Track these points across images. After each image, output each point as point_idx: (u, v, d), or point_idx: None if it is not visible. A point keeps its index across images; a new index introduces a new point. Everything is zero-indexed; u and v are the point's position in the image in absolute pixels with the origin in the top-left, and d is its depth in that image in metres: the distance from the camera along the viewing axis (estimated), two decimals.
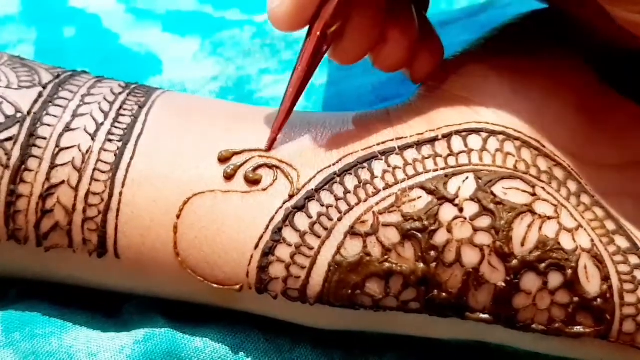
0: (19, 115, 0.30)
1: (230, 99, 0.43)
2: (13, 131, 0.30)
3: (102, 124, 0.30)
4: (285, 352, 0.32)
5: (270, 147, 0.30)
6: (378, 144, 0.30)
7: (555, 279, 0.28)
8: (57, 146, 0.30)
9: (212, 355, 0.31)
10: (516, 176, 0.29)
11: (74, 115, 0.30)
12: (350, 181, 0.29)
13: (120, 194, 0.29)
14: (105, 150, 0.30)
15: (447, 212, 0.28)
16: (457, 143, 0.30)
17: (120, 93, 0.31)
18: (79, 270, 0.31)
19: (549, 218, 0.29)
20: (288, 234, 0.29)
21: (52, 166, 0.29)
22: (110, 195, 0.29)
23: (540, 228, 0.28)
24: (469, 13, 0.47)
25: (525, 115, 0.30)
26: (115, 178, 0.29)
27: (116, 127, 0.30)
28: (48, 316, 0.32)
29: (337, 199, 0.29)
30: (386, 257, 0.28)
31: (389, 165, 0.29)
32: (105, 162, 0.30)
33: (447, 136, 0.30)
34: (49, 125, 0.30)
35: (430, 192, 0.29)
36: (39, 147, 0.30)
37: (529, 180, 0.29)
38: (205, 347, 0.31)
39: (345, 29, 0.29)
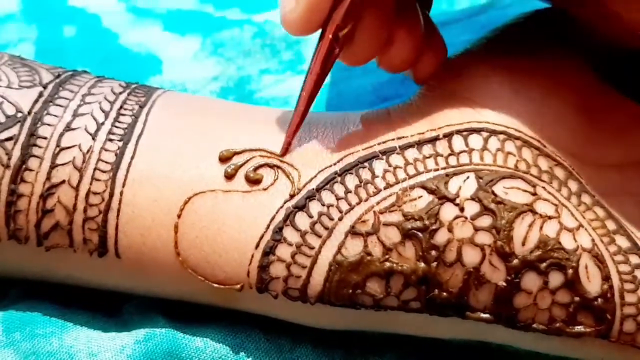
0: (19, 115, 0.30)
1: (231, 99, 0.44)
2: (14, 131, 0.30)
3: (102, 123, 0.30)
4: (285, 352, 0.32)
5: (285, 152, 0.30)
6: (379, 144, 0.30)
7: (556, 279, 0.28)
8: (57, 146, 0.30)
9: (212, 355, 0.31)
10: (517, 176, 0.29)
11: (75, 114, 0.30)
12: (351, 180, 0.29)
13: (121, 193, 0.29)
14: (106, 150, 0.30)
15: (448, 212, 0.28)
16: (458, 142, 0.30)
17: (120, 93, 0.31)
18: (79, 270, 0.31)
19: (550, 218, 0.29)
20: (289, 233, 0.29)
21: (53, 166, 0.29)
22: (111, 195, 0.29)
23: (541, 228, 0.28)
24: (470, 13, 0.47)
25: (526, 115, 0.30)
26: (115, 177, 0.29)
27: (117, 127, 0.30)
28: (48, 316, 0.32)
29: (337, 198, 0.29)
30: (387, 256, 0.28)
31: (389, 165, 0.29)
32: (106, 162, 0.30)
33: (448, 135, 0.30)
34: (49, 124, 0.30)
35: (431, 191, 0.29)
36: (40, 147, 0.30)
37: (529, 179, 0.29)
38: (206, 347, 0.31)
39: (356, 31, 0.29)
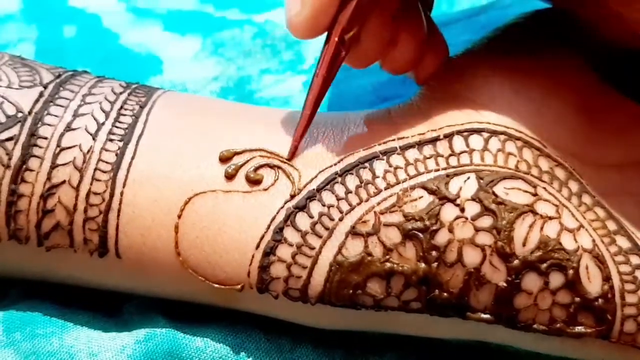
0: (20, 115, 0.30)
1: (231, 99, 0.43)
2: (14, 131, 0.30)
3: (103, 123, 0.30)
4: (286, 352, 0.32)
5: (292, 155, 0.30)
6: (379, 144, 0.30)
7: (556, 279, 0.28)
8: (58, 146, 0.30)
9: (213, 355, 0.31)
10: (518, 176, 0.29)
11: (75, 115, 0.30)
12: (351, 181, 0.29)
13: (122, 193, 0.29)
14: (107, 150, 0.30)
15: (448, 212, 0.28)
16: (458, 143, 0.30)
17: (121, 93, 0.31)
18: (79, 270, 0.31)
19: (551, 218, 0.29)
20: (289, 233, 0.29)
21: (53, 166, 0.29)
22: (112, 195, 0.29)
23: (541, 228, 0.28)
24: (470, 13, 0.47)
25: (526, 116, 0.30)
26: (116, 178, 0.29)
27: (117, 127, 0.30)
28: (49, 316, 0.32)
29: (338, 198, 0.29)
30: (387, 257, 0.28)
31: (390, 165, 0.29)
32: (107, 162, 0.30)
33: (449, 136, 0.30)
34: (50, 125, 0.30)
35: (431, 192, 0.29)
36: (40, 147, 0.30)
37: (530, 180, 0.29)
38: (206, 346, 0.31)
39: (361, 33, 0.29)
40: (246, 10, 0.48)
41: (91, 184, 0.29)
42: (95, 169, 0.29)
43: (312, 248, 0.29)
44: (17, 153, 0.29)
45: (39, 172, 0.29)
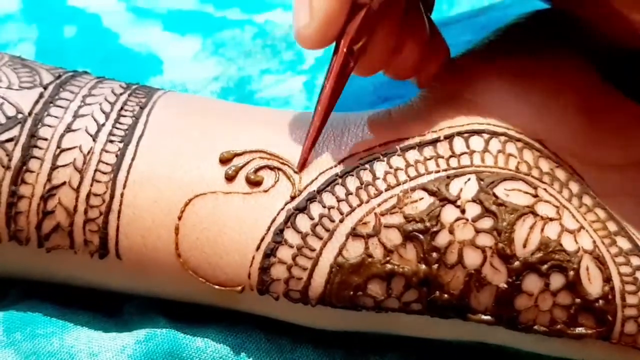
0: (20, 116, 0.30)
1: (232, 99, 0.43)
2: (14, 132, 0.30)
3: (103, 124, 0.30)
4: (286, 352, 0.32)
5: (302, 167, 0.30)
6: (380, 145, 0.30)
7: (557, 281, 0.28)
8: (58, 147, 0.30)
9: (213, 355, 0.31)
10: (518, 177, 0.29)
11: (75, 116, 0.30)
12: (351, 182, 0.29)
13: (122, 195, 0.29)
14: (107, 151, 0.30)
15: (449, 214, 0.28)
16: (459, 144, 0.30)
17: (121, 94, 0.31)
18: (80, 271, 0.31)
19: (551, 219, 0.29)
20: (289, 235, 0.29)
21: (54, 167, 0.29)
22: (112, 197, 0.29)
23: (542, 229, 0.28)
24: (470, 14, 0.47)
25: (527, 116, 0.30)
26: (116, 179, 0.29)
27: (117, 128, 0.30)
28: (49, 316, 0.32)
29: (338, 200, 0.29)
30: (388, 258, 0.28)
31: (390, 167, 0.29)
32: (107, 163, 0.30)
33: (449, 137, 0.30)
34: (50, 126, 0.30)
35: (432, 193, 0.29)
36: (40, 148, 0.30)
37: (530, 181, 0.29)
38: (207, 347, 0.31)
39: (368, 43, 0.29)
40: (246, 10, 0.48)
41: (91, 185, 0.29)
42: (96, 170, 0.29)
43: (313, 250, 0.29)
44: (17, 154, 0.29)
45: (39, 173, 0.29)
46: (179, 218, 0.29)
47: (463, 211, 0.28)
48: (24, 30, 0.47)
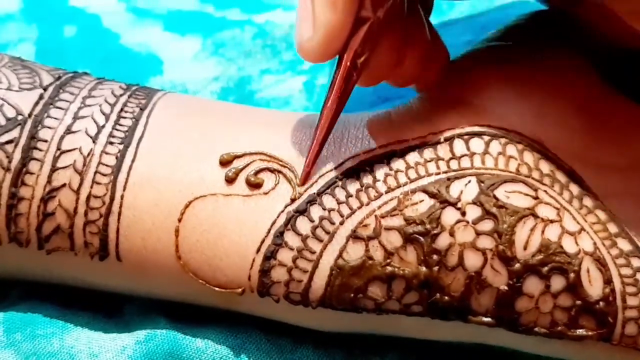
0: (20, 117, 0.30)
1: (231, 99, 0.43)
2: (14, 134, 0.30)
3: (103, 126, 0.30)
4: (287, 353, 0.32)
5: (304, 181, 0.29)
6: (380, 147, 0.30)
7: (557, 283, 0.28)
8: (58, 149, 0.30)
9: (213, 355, 0.31)
10: (518, 179, 0.29)
11: (75, 117, 0.30)
12: (352, 184, 0.29)
13: (122, 197, 0.29)
14: (107, 153, 0.30)
15: (449, 216, 0.28)
16: (459, 146, 0.30)
17: (121, 95, 0.31)
18: (80, 273, 0.31)
19: (552, 221, 0.29)
20: (290, 237, 0.29)
21: (54, 169, 0.29)
22: (112, 198, 0.29)
23: (542, 231, 0.28)
24: (470, 14, 0.47)
25: (527, 118, 0.30)
26: (116, 181, 0.29)
27: (117, 130, 0.30)
28: (49, 317, 0.32)
29: (339, 202, 0.29)
30: (388, 260, 0.28)
31: (391, 169, 0.29)
32: (107, 165, 0.29)
33: (450, 139, 0.30)
34: (50, 127, 0.30)
35: (432, 195, 0.29)
36: (40, 150, 0.29)
37: (531, 183, 0.29)
38: (207, 347, 0.31)
39: (372, 56, 0.29)
40: (247, 11, 0.48)
41: (91, 187, 0.29)
42: (96, 172, 0.29)
43: (313, 252, 0.29)
44: (17, 156, 0.29)
45: (39, 175, 0.29)
46: (179, 220, 0.29)
47: (463, 213, 0.28)
48: (24, 30, 0.47)
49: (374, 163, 0.30)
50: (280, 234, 0.29)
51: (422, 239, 0.28)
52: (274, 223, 0.29)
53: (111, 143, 0.30)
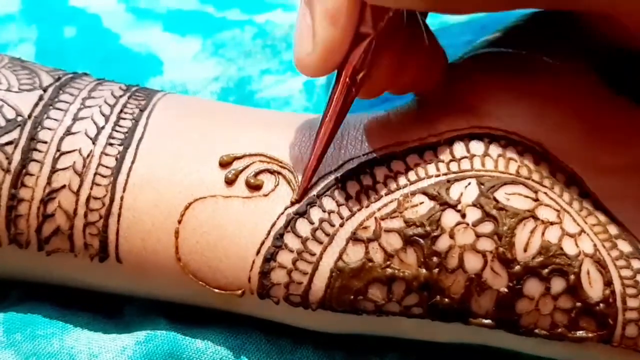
0: (19, 118, 0.30)
1: (232, 99, 0.43)
2: (14, 135, 0.30)
3: (103, 127, 0.30)
4: (286, 353, 0.32)
5: (301, 197, 0.29)
6: (379, 149, 0.30)
7: (558, 284, 0.28)
8: (58, 150, 0.30)
9: (213, 356, 0.31)
10: (518, 181, 0.29)
11: (75, 118, 0.30)
12: (351, 187, 0.29)
13: (122, 198, 0.29)
14: (106, 154, 0.30)
15: (449, 218, 0.28)
16: (459, 148, 0.30)
17: (121, 96, 0.31)
18: (80, 274, 0.31)
19: (552, 223, 0.29)
20: (290, 239, 0.29)
21: (53, 170, 0.29)
22: (112, 200, 0.29)
23: (542, 233, 0.28)
24: (470, 14, 0.47)
25: (527, 120, 0.30)
26: (116, 182, 0.29)
27: (117, 131, 0.30)
28: (49, 317, 0.32)
29: (338, 204, 0.29)
30: (388, 262, 0.28)
31: (390, 170, 0.29)
32: (106, 166, 0.29)
33: (449, 141, 0.30)
34: (49, 129, 0.30)
35: (432, 197, 0.29)
36: (40, 151, 0.29)
37: (531, 185, 0.29)
38: (207, 348, 0.31)
39: (372, 71, 0.29)
40: (247, 11, 0.48)
41: (91, 188, 0.29)
42: (95, 174, 0.29)
43: (313, 254, 0.29)
44: (17, 157, 0.29)
45: (39, 176, 0.29)
46: (179, 222, 0.29)
47: (463, 215, 0.28)
48: (24, 31, 0.47)
49: (373, 165, 0.30)
50: (280, 236, 0.29)
51: (422, 241, 0.28)
52: (273, 225, 0.29)
53: (111, 144, 0.30)
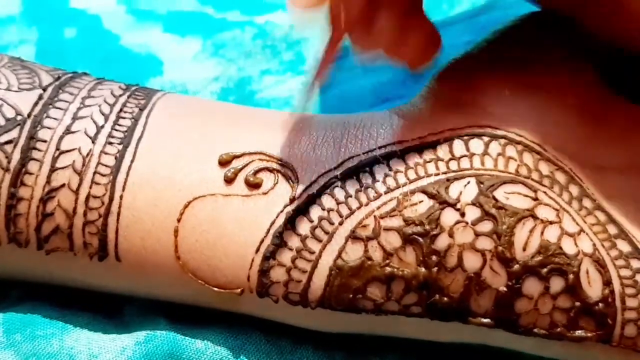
0: (19, 117, 0.30)
1: (231, 99, 0.43)
2: (13, 134, 0.30)
3: (102, 126, 0.30)
4: (286, 354, 0.32)
5: (320, 77, 0.29)
6: (379, 147, 0.30)
7: (557, 284, 0.28)
8: (57, 149, 0.30)
9: (213, 356, 0.31)
10: (518, 180, 0.29)
11: (75, 117, 0.30)
12: (351, 185, 0.29)
13: (121, 197, 0.29)
14: (106, 153, 0.30)
15: (448, 217, 0.28)
16: (458, 147, 0.30)
17: (120, 95, 0.31)
18: (80, 273, 0.31)
19: (551, 223, 0.29)
20: (289, 237, 0.29)
21: (53, 169, 0.29)
22: (111, 199, 0.29)
23: (542, 233, 0.28)
24: (470, 14, 0.47)
25: (527, 119, 0.30)
26: (115, 181, 0.29)
27: (116, 130, 0.30)
28: (49, 317, 0.32)
29: (338, 202, 0.29)
30: (387, 261, 0.28)
31: (390, 169, 0.29)
32: (106, 165, 0.29)
33: (449, 140, 0.30)
34: (49, 128, 0.30)
35: (431, 196, 0.29)
36: (40, 150, 0.30)
37: (530, 184, 0.29)
38: (207, 348, 0.31)
39: (374, 18, 0.28)
40: (246, 12, 0.48)
41: (90, 187, 0.29)
42: (95, 172, 0.29)
43: (312, 252, 0.29)
44: (16, 156, 0.29)
45: (38, 175, 0.29)
46: (178, 220, 0.29)
47: (463, 214, 0.28)
48: (25, 32, 0.47)
49: (373, 163, 0.30)
50: (279, 234, 0.29)
51: (421, 239, 0.28)
52: (273, 223, 0.29)
53: (110, 143, 0.30)
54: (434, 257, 0.28)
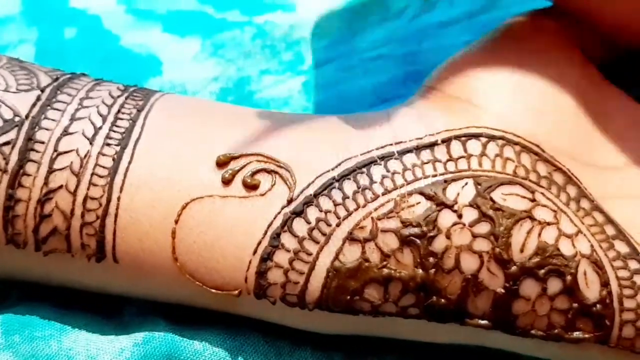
0: (17, 119, 0.30)
1: (231, 99, 0.43)
2: (11, 135, 0.30)
3: (100, 127, 0.30)
4: (285, 355, 0.32)
5: None
6: (377, 149, 0.30)
7: (554, 285, 0.28)
8: (55, 150, 0.30)
9: (211, 357, 0.31)
10: (515, 182, 0.29)
11: (72, 119, 0.30)
12: (348, 186, 0.29)
13: (119, 198, 0.29)
14: (104, 155, 0.30)
15: (446, 218, 0.28)
16: (456, 148, 0.30)
17: (118, 96, 0.31)
18: (77, 275, 0.31)
19: (549, 224, 0.29)
20: (286, 239, 0.29)
21: (51, 170, 0.29)
22: (109, 200, 0.29)
23: (539, 234, 0.28)
24: (470, 14, 0.47)
25: (525, 120, 0.30)
26: (113, 183, 0.29)
27: (114, 131, 0.30)
28: (47, 319, 0.32)
29: (335, 204, 0.29)
30: (385, 263, 0.28)
31: (387, 171, 0.29)
32: (104, 167, 0.29)
33: (447, 141, 0.30)
34: (47, 129, 0.30)
35: (429, 197, 0.29)
36: (37, 152, 0.29)
37: (528, 185, 0.29)
38: (205, 349, 0.31)
39: None
40: (246, 12, 0.48)
41: (88, 188, 0.29)
42: (93, 174, 0.29)
43: (310, 254, 0.29)
44: (14, 157, 0.29)
45: (36, 176, 0.29)
46: (176, 222, 0.29)
47: (460, 216, 0.28)
48: (24, 31, 0.47)
49: (371, 164, 0.29)
50: (276, 236, 0.29)
51: (418, 241, 0.28)
52: (270, 224, 0.29)
53: (108, 144, 0.30)
54: (431, 259, 0.28)
